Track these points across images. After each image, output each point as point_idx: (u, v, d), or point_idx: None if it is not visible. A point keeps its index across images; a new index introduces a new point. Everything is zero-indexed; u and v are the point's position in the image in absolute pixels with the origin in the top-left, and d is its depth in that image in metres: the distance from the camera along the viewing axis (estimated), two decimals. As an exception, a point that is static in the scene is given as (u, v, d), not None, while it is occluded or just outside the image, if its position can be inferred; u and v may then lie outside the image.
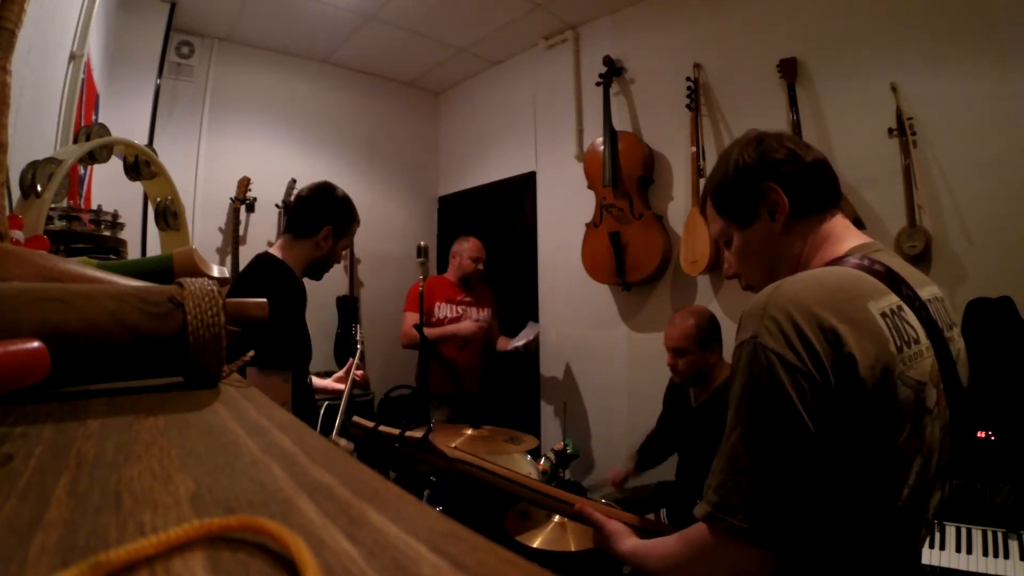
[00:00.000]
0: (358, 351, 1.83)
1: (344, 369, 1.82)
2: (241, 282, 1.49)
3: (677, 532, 0.76)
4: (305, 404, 1.54)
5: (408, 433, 0.94)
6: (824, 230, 0.79)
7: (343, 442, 1.52)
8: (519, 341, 2.81)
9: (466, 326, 2.73)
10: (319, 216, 1.53)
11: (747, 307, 0.69)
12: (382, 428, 0.96)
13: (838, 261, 0.74)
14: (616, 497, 2.06)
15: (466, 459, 0.95)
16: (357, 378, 1.73)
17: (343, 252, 1.67)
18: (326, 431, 1.69)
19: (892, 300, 0.68)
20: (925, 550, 1.42)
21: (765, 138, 0.81)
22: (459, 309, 2.82)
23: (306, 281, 1.59)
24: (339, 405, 1.62)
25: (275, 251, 1.54)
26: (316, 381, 1.78)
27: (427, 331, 2.56)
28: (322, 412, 1.63)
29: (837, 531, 0.65)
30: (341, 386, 1.77)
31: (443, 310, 2.79)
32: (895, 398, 0.63)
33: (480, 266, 2.83)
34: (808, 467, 0.61)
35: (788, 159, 0.78)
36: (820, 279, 0.69)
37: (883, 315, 0.66)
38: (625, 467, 2.18)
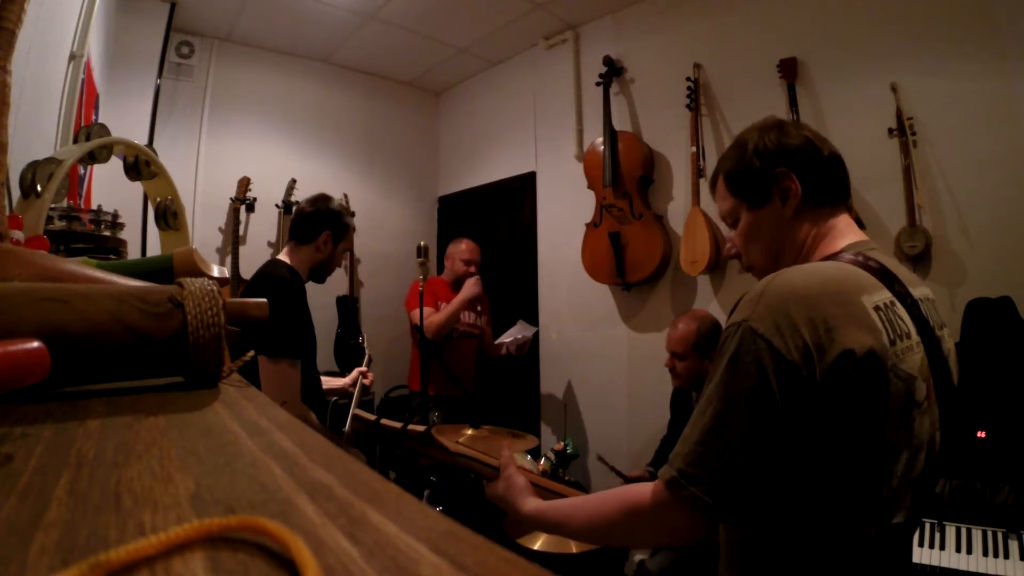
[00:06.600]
0: (366, 357, 1.95)
1: (351, 376, 1.91)
2: (255, 280, 1.63)
3: (598, 493, 0.78)
4: (313, 395, 1.63)
5: (410, 427, 0.95)
6: (830, 223, 0.81)
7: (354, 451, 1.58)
8: (507, 338, 2.75)
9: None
10: (317, 223, 1.69)
11: (744, 295, 0.70)
12: (384, 421, 0.97)
13: (833, 257, 0.76)
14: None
15: (467, 453, 0.96)
16: (367, 383, 1.85)
17: (343, 256, 1.80)
18: (335, 427, 1.76)
19: (885, 295, 0.70)
20: (926, 550, 1.42)
21: (785, 125, 0.83)
22: None
23: (308, 282, 1.72)
24: (348, 404, 1.71)
25: (282, 256, 1.70)
26: (327, 381, 1.87)
27: (435, 317, 2.56)
28: (330, 409, 1.70)
29: (824, 519, 0.66)
30: (349, 384, 1.88)
31: None
32: (886, 390, 0.64)
33: (473, 268, 2.77)
34: (776, 452, 0.63)
35: (806, 148, 0.80)
36: (816, 272, 0.71)
37: (876, 309, 0.67)
38: (641, 471, 2.13)
